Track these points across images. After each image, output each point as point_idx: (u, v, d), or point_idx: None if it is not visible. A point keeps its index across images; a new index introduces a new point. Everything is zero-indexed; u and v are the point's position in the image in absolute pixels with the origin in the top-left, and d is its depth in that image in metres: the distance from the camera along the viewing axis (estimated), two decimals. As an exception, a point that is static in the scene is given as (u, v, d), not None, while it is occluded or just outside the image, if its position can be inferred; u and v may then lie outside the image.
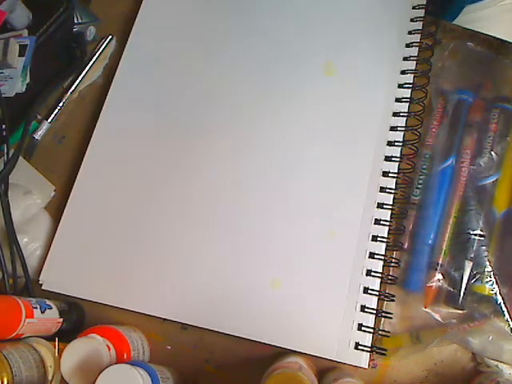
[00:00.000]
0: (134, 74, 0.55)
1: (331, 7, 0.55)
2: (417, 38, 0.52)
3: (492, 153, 0.47)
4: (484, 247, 0.45)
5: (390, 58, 0.52)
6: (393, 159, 0.49)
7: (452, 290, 0.45)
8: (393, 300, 0.46)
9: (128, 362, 0.37)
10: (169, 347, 0.48)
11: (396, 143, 0.49)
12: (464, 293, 0.45)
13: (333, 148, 0.50)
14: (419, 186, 0.48)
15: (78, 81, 0.56)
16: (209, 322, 0.47)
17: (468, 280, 0.45)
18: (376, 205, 0.48)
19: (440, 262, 0.46)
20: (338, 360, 0.45)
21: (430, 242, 0.46)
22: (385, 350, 0.45)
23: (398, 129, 0.49)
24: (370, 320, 0.45)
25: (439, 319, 0.45)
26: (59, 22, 0.52)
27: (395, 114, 0.50)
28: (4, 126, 0.51)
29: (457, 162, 0.48)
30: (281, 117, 0.52)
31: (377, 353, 0.45)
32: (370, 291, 0.46)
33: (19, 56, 0.52)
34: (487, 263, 0.45)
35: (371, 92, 0.51)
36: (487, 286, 0.45)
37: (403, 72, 0.51)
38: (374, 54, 0.52)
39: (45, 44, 0.53)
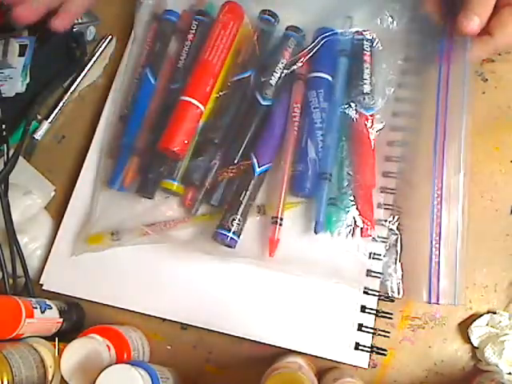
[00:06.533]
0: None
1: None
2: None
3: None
4: None
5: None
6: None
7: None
8: (392, 301, 0.46)
9: (128, 362, 0.37)
10: (168, 347, 0.48)
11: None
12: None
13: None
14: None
15: (78, 81, 0.56)
16: (208, 321, 0.47)
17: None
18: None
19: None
20: (338, 360, 0.45)
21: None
22: (385, 350, 0.45)
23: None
24: (369, 320, 0.45)
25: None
26: (59, 21, 0.52)
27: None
28: (4, 126, 0.51)
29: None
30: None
31: (377, 353, 0.45)
32: (369, 292, 0.46)
33: (19, 56, 0.52)
34: None
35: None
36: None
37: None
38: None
39: (45, 44, 0.53)
